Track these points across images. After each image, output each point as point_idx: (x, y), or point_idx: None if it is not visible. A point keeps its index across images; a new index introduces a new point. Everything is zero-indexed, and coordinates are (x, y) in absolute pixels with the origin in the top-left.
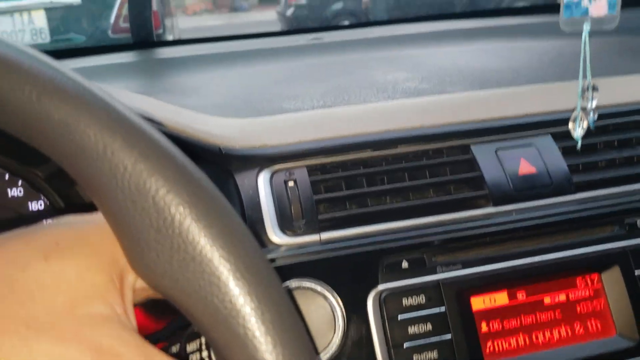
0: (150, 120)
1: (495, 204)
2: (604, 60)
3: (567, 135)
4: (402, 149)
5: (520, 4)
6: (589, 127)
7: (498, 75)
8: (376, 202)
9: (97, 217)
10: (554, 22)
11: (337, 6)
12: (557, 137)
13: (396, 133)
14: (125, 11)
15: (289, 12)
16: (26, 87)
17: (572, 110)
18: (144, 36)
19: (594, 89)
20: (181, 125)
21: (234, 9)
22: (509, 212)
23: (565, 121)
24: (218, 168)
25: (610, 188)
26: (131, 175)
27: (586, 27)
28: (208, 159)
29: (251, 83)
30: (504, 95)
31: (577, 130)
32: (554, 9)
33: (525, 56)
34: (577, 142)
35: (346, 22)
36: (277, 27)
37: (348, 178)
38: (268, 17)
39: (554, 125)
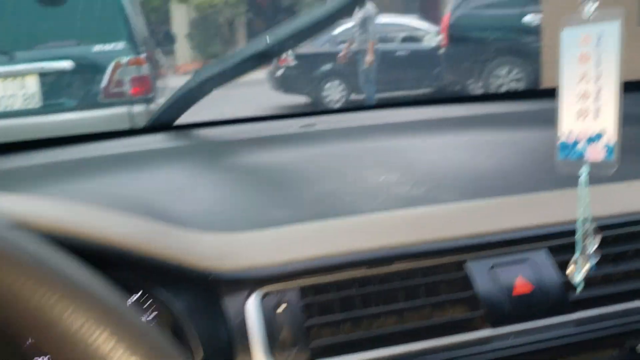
0: (134, 254)
1: (492, 326)
2: None
3: (563, 248)
4: (397, 266)
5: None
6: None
7: (492, 182)
8: (372, 325)
9: None
10: (551, 109)
11: (326, 67)
12: (552, 250)
13: (391, 250)
14: (117, 76)
15: (279, 72)
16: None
17: (567, 222)
18: (165, 121)
19: (596, 232)
20: (168, 249)
21: None
22: (506, 335)
23: (560, 234)
24: (204, 292)
25: (607, 306)
26: None
27: (583, 172)
28: (195, 283)
29: (242, 184)
30: (498, 207)
31: (578, 276)
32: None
33: (519, 154)
34: (578, 287)
35: (335, 82)
36: (267, 87)
37: (342, 299)
38: (259, 76)
39: (550, 239)
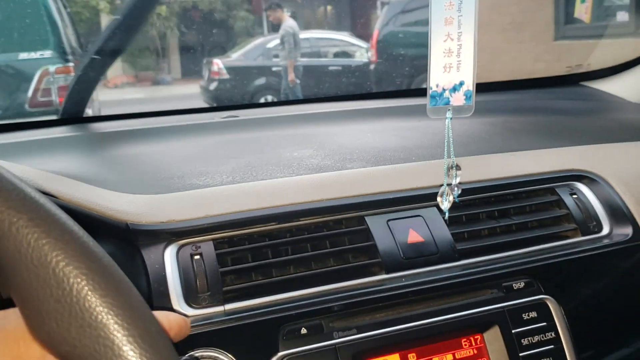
0: (59, 200)
1: (387, 272)
2: (487, 139)
3: (453, 207)
4: (304, 221)
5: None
6: (456, 202)
7: (393, 153)
8: (281, 272)
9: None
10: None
11: (260, 81)
12: (438, 208)
13: (299, 206)
14: (43, 85)
15: (212, 85)
16: None
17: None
18: (74, 113)
19: (457, 167)
20: (91, 202)
21: (157, 82)
22: (399, 279)
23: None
24: (125, 243)
25: (490, 255)
26: (34, 249)
27: (448, 115)
28: (116, 234)
29: (164, 160)
30: (396, 171)
31: (445, 203)
32: None
33: (419, 135)
34: (446, 213)
35: (268, 97)
36: (200, 100)
37: (254, 250)
38: (191, 91)
39: None
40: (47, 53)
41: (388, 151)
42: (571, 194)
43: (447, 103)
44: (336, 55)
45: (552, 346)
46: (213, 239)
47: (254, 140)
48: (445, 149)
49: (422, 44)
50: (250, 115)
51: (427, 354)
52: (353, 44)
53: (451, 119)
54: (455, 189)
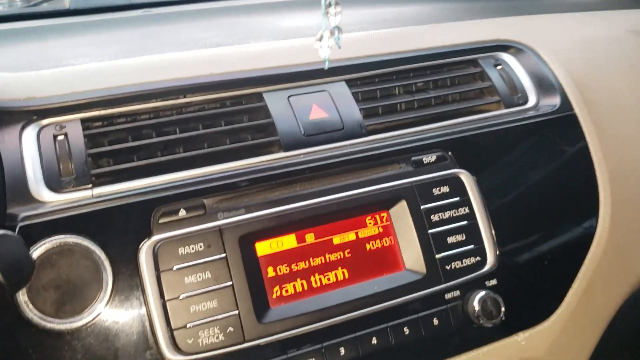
0: None
1: (286, 149)
2: (412, 16)
3: (364, 82)
4: (194, 98)
5: None
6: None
7: (308, 30)
8: (166, 154)
9: None
10: None
11: None
12: (351, 83)
13: (187, 81)
14: None
15: None
16: None
17: (364, 57)
18: None
19: (337, 4)
20: None
21: None
22: (298, 156)
23: (357, 67)
24: None
25: (401, 130)
26: None
27: None
28: None
29: (50, 50)
30: (302, 45)
31: (324, 49)
32: None
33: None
34: (326, 62)
35: None
36: None
37: (133, 130)
38: None
39: (349, 72)
40: None
41: (303, 29)
42: (496, 66)
43: None
44: None
45: (465, 222)
46: (81, 118)
47: (158, 28)
48: None
49: None
50: (167, 10)
51: (326, 233)
52: None
53: None
54: (336, 32)
